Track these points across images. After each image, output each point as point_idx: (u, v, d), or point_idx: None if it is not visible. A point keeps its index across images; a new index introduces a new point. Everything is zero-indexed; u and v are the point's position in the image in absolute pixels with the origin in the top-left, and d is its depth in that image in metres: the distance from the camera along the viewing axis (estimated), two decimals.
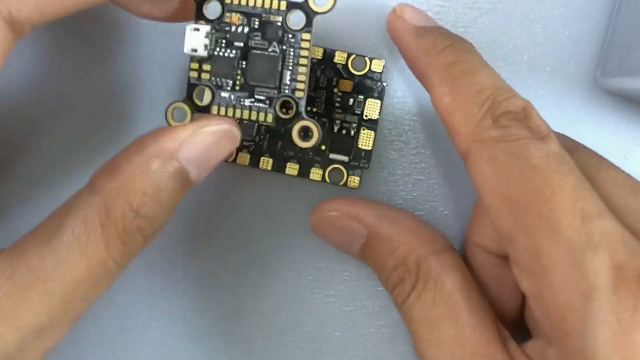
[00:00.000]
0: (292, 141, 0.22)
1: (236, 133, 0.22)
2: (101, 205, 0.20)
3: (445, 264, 0.23)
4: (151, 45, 0.27)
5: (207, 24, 0.21)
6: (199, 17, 0.21)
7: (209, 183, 0.27)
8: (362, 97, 0.25)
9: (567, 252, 0.18)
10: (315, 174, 0.26)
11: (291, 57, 0.21)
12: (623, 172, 0.21)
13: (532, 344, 0.21)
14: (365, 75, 0.25)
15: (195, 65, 0.22)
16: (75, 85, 0.27)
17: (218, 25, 0.22)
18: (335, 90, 0.25)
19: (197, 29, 0.21)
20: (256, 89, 0.22)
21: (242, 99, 0.22)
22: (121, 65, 0.27)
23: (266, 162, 0.26)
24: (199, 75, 0.22)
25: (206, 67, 0.22)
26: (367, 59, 0.25)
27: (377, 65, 0.25)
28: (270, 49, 0.22)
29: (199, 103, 0.22)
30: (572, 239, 0.18)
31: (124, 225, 0.20)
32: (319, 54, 0.25)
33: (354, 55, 0.25)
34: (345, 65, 0.25)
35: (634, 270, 0.18)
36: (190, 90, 0.22)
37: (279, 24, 0.21)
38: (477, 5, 0.26)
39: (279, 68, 0.21)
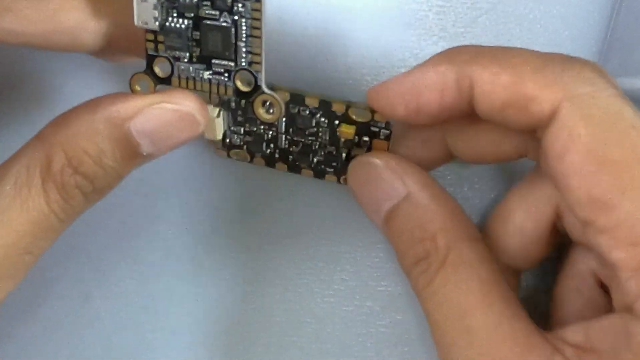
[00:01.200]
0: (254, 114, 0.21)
1: (199, 119, 0.21)
2: (42, 155, 0.20)
3: (480, 253, 0.21)
4: None
5: None
6: None
7: (209, 182, 0.27)
8: (367, 138, 0.24)
9: None
10: (331, 177, 0.25)
11: (243, 28, 0.21)
12: None
13: (574, 328, 0.20)
14: (367, 123, 0.23)
15: (150, 37, 0.21)
16: None
17: None
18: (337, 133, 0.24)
19: (145, 0, 0.20)
20: (213, 61, 0.21)
21: (200, 71, 0.21)
22: None
23: (282, 165, 0.25)
24: (156, 46, 0.21)
25: (160, 38, 0.21)
26: (369, 111, 0.23)
27: (380, 115, 0.23)
28: (221, 20, 0.20)
29: (160, 75, 0.21)
30: None
31: (62, 180, 0.20)
32: (315, 103, 0.23)
33: (352, 108, 0.23)
34: (345, 114, 0.23)
35: None
36: (150, 61, 0.21)
37: None
38: (477, 5, 0.26)
39: (233, 40, 0.21)
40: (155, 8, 0.20)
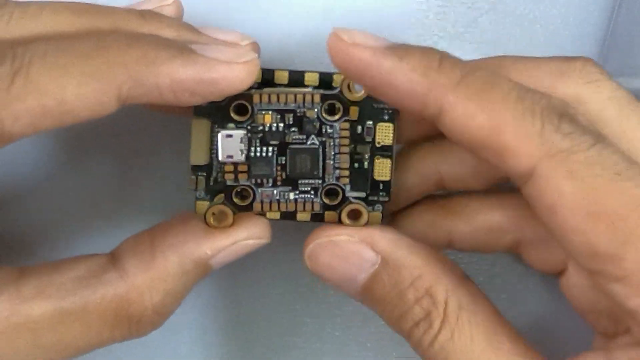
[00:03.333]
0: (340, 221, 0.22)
1: (267, 240, 0.22)
2: (124, 292, 0.20)
3: (474, 293, 0.21)
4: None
5: (238, 128, 0.21)
6: (228, 120, 0.21)
7: None
8: (370, 122, 0.22)
9: None
10: (330, 216, 0.23)
11: (331, 147, 0.21)
12: None
13: (593, 356, 0.20)
14: (369, 96, 0.22)
15: (230, 168, 0.21)
16: None
17: (250, 126, 0.21)
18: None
19: (230, 135, 0.21)
20: (300, 182, 0.22)
21: (285, 193, 0.22)
22: None
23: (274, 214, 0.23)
24: (236, 177, 0.21)
25: (242, 167, 0.21)
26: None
27: None
28: (309, 142, 0.21)
29: (240, 203, 0.22)
30: None
31: (139, 320, 0.20)
32: (314, 80, 0.22)
33: (360, 94, 0.22)
34: (341, 92, 0.22)
35: None
36: (229, 191, 0.22)
37: (315, 116, 0.21)
38: (477, 5, 0.26)
39: (321, 159, 0.21)
40: (242, 141, 0.21)
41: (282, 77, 0.22)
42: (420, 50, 0.19)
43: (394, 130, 0.22)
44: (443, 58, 0.19)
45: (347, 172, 0.22)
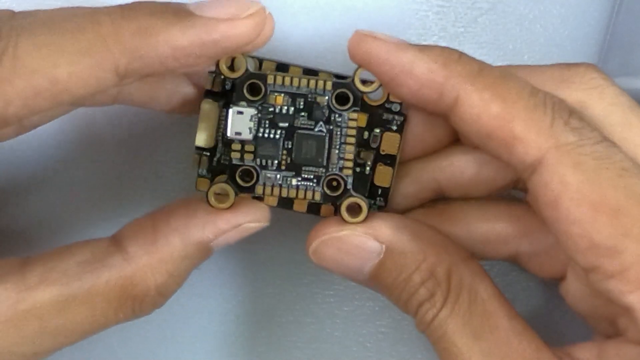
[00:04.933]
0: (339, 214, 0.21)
1: (267, 223, 0.22)
2: (129, 275, 0.20)
3: (475, 272, 0.21)
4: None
5: (250, 106, 0.21)
6: (240, 97, 0.21)
7: None
8: (378, 130, 0.22)
9: None
10: (326, 210, 0.23)
11: (338, 136, 0.21)
12: None
13: (586, 346, 0.20)
14: (382, 106, 0.22)
15: (237, 147, 0.21)
16: None
17: (261, 106, 0.21)
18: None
19: (241, 112, 0.21)
20: (303, 168, 0.22)
21: (288, 178, 0.22)
22: None
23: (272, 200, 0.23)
24: (242, 156, 0.21)
25: (249, 147, 0.21)
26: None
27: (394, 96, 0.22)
28: (317, 129, 0.21)
29: (242, 184, 0.22)
30: None
31: (142, 300, 0.21)
32: (328, 85, 0.22)
33: (372, 86, 0.22)
34: (353, 82, 0.22)
35: None
36: (233, 171, 0.21)
37: (326, 104, 0.21)
38: (477, 5, 0.26)
39: (326, 147, 0.21)
40: (252, 120, 0.21)
41: (296, 72, 0.22)
42: (440, 46, 0.20)
43: (400, 141, 0.22)
44: (462, 54, 0.20)
45: (350, 164, 0.22)
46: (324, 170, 0.22)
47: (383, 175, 0.23)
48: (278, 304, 0.27)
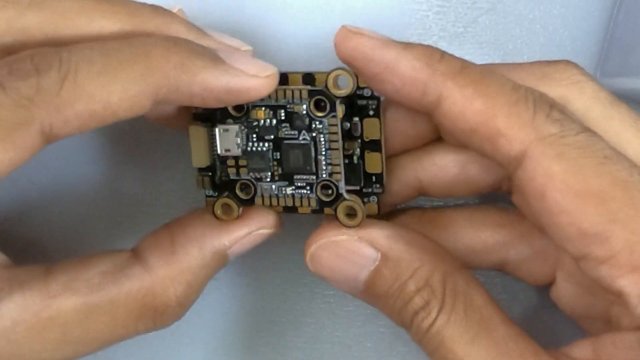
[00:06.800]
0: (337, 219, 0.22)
1: (279, 229, 0.23)
2: (149, 287, 0.21)
3: (469, 279, 0.21)
4: None
5: (234, 123, 0.22)
6: (225, 115, 0.22)
7: None
8: (357, 118, 0.22)
9: None
10: (329, 210, 0.23)
11: (322, 143, 0.22)
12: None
13: (581, 344, 0.20)
14: (354, 93, 0.22)
15: (232, 162, 0.22)
16: None
17: (246, 122, 0.22)
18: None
19: (227, 130, 0.22)
20: (295, 177, 0.22)
21: (283, 188, 0.22)
22: None
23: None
24: (237, 171, 0.22)
25: (242, 162, 0.22)
26: (350, 75, 0.21)
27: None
28: (301, 138, 0.22)
29: (243, 197, 0.23)
30: None
31: (164, 311, 0.21)
32: (298, 81, 0.22)
33: (335, 73, 0.21)
34: (326, 88, 0.21)
35: None
36: (233, 185, 0.23)
37: (304, 112, 0.22)
38: (477, 5, 0.26)
39: (313, 155, 0.22)
40: (237, 135, 0.22)
41: (296, 79, 0.22)
42: (423, 45, 0.21)
43: (381, 124, 0.22)
44: (444, 53, 0.20)
45: (339, 168, 0.22)
46: (314, 177, 0.22)
47: (373, 162, 0.22)
48: (278, 304, 0.27)
